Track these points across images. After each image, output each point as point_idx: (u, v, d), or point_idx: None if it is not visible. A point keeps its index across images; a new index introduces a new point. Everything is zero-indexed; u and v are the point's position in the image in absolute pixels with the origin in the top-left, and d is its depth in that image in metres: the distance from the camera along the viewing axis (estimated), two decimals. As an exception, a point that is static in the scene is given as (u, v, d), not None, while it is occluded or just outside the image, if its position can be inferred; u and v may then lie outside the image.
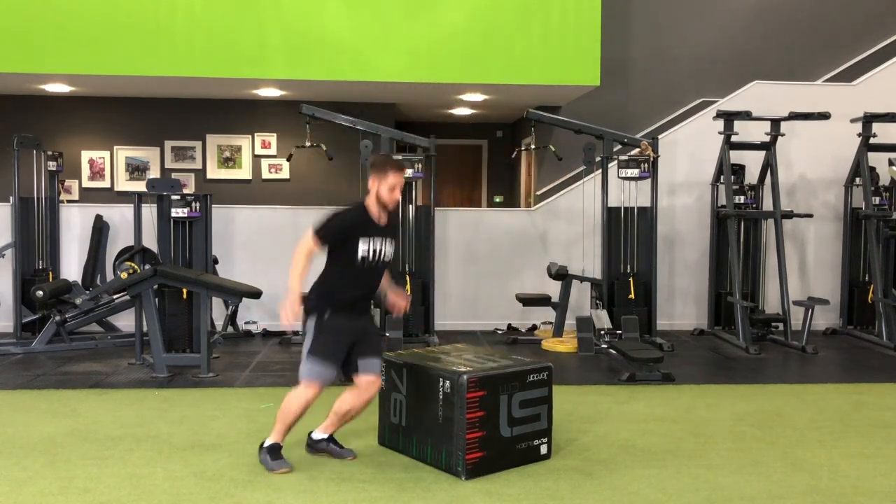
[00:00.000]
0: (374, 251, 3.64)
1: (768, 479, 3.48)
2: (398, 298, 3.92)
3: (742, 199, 7.38)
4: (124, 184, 9.10)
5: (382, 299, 4.03)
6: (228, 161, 9.23)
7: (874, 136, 7.25)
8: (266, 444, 3.65)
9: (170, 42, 7.34)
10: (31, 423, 4.28)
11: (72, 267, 7.40)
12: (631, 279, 6.99)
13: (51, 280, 7.02)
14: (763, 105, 7.28)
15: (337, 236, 3.61)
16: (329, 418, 3.75)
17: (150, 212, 6.50)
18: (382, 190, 3.63)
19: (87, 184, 9.11)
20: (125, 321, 7.08)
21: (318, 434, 3.80)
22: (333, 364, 3.61)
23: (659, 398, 4.98)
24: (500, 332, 7.51)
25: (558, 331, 7.03)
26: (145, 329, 5.77)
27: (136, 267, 6.30)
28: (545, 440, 3.68)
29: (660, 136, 7.44)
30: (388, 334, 6.44)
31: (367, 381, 3.66)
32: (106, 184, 9.11)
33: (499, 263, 7.78)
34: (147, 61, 7.36)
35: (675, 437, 4.12)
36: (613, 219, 7.10)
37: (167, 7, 7.32)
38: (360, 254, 3.60)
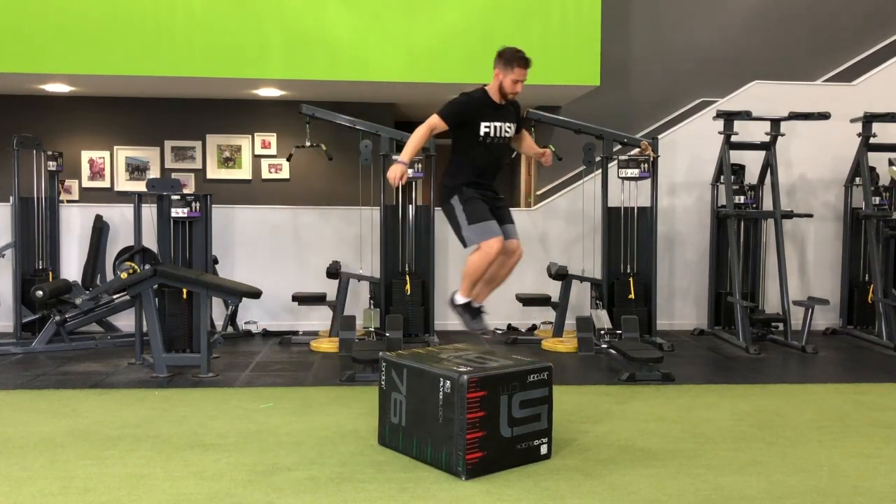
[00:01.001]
0: (496, 128, 4.01)
1: (768, 479, 3.48)
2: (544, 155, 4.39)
3: (742, 199, 7.38)
4: (124, 184, 9.11)
5: (532, 156, 4.49)
6: (228, 161, 9.23)
7: (874, 136, 7.25)
8: (459, 302, 3.99)
9: (170, 42, 7.35)
10: (31, 423, 4.28)
11: (72, 267, 7.40)
12: (631, 279, 6.99)
13: (51, 280, 7.02)
14: (763, 105, 7.28)
15: (458, 117, 3.99)
16: (478, 287, 4.06)
17: (150, 212, 6.50)
18: (506, 81, 4.02)
19: (87, 184, 9.12)
20: (125, 321, 7.09)
21: (476, 304, 4.15)
22: (491, 218, 3.96)
23: (659, 398, 4.98)
24: (499, 332, 7.50)
25: (558, 331, 7.03)
26: (145, 329, 5.77)
27: (136, 267, 6.30)
28: (545, 440, 3.68)
29: (660, 136, 7.44)
30: (388, 334, 6.44)
31: (512, 246, 4.06)
32: (106, 184, 9.12)
33: (499, 263, 7.76)
34: (147, 61, 7.37)
35: (675, 437, 4.12)
36: (613, 219, 7.10)
37: (167, 7, 7.32)
38: (481, 132, 3.97)
